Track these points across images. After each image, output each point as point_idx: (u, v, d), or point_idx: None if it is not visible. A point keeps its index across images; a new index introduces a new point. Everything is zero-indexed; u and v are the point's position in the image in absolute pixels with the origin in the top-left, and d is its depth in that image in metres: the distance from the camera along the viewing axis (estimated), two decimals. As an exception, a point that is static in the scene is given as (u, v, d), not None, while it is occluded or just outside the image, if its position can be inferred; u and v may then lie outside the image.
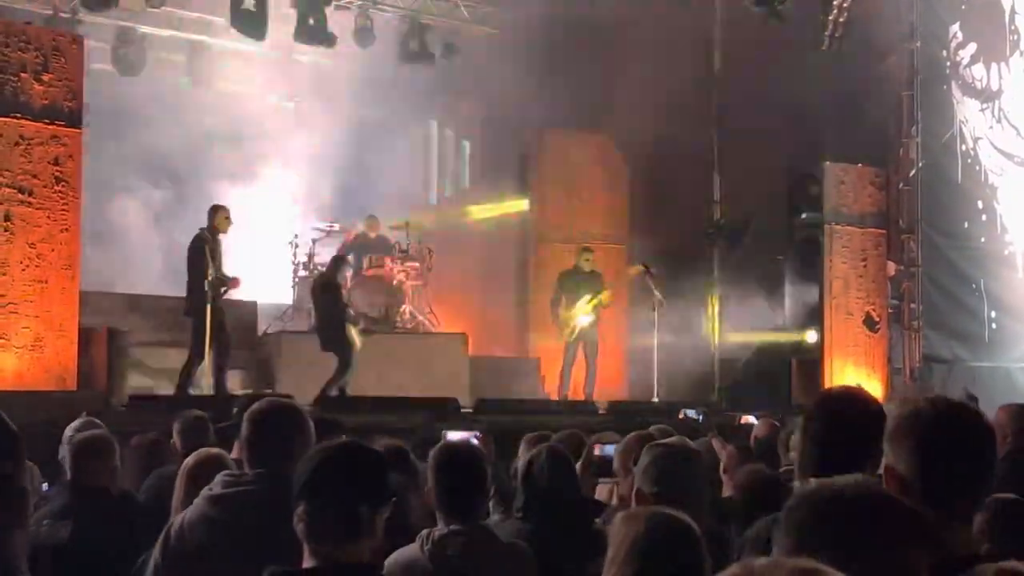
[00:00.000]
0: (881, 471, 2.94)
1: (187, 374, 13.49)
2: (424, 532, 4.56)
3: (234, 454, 5.37)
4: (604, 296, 16.49)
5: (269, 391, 13.55)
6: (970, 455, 2.84)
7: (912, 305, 18.08)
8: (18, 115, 12.34)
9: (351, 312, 15.21)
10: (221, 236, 13.96)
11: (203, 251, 13.57)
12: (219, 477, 4.48)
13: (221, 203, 14.43)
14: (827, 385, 16.95)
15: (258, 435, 4.46)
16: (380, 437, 9.72)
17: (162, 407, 11.56)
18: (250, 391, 14.11)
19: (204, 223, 14.07)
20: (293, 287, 18.95)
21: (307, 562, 3.41)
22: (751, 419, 14.30)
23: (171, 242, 18.50)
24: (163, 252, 18.65)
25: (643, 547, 3.26)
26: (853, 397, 3.78)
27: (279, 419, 4.50)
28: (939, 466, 2.81)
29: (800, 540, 2.24)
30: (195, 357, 13.48)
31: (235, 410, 5.74)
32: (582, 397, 16.02)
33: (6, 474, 2.41)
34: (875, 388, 17.43)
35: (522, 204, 20.03)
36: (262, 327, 17.81)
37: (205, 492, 4.45)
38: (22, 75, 12.42)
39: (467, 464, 4.72)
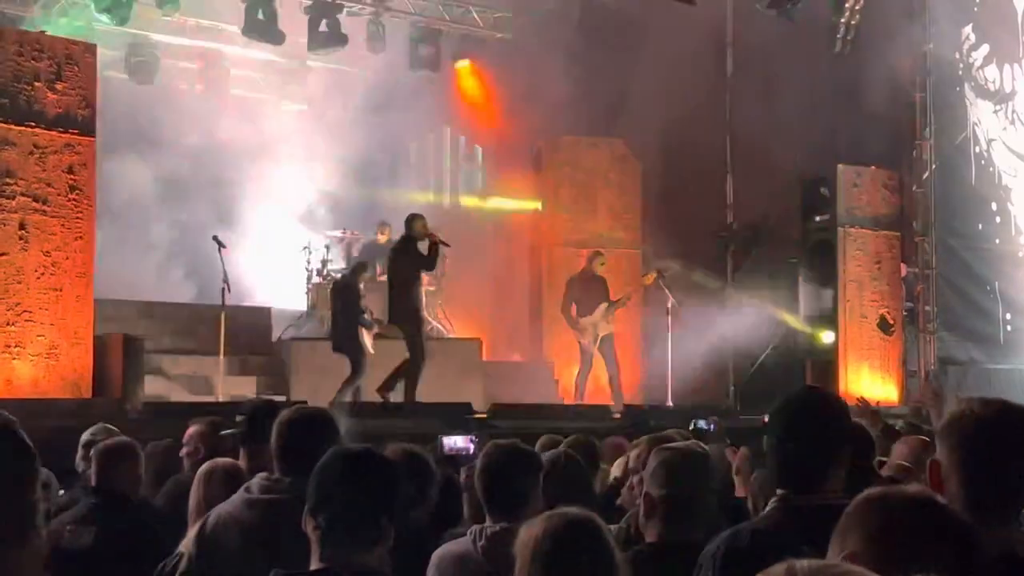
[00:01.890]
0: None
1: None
2: (475, 528, 4.59)
3: (240, 461, 5.38)
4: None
5: (279, 398, 13.54)
6: (1012, 455, 2.87)
7: (927, 307, 18.05)
8: (32, 124, 12.40)
9: (367, 318, 15.22)
10: (420, 244, 14.25)
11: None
12: (256, 480, 4.51)
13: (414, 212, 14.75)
14: (842, 388, 16.96)
15: (290, 442, 4.48)
16: (394, 443, 9.76)
17: (177, 414, 11.58)
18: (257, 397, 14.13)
19: (217, 230, 14.16)
20: (307, 293, 18.97)
21: (314, 564, 3.42)
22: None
23: (184, 249, 18.58)
24: (177, 259, 18.71)
25: (545, 548, 3.28)
26: (815, 401, 3.80)
27: (310, 426, 4.53)
28: (978, 464, 2.85)
29: (865, 545, 2.25)
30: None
31: (238, 416, 5.73)
32: (597, 401, 15.99)
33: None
34: (890, 390, 17.42)
35: (535, 208, 20.02)
36: (276, 333, 17.85)
37: (243, 493, 4.48)
38: (36, 84, 12.48)
39: (516, 462, 4.74)
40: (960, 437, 2.90)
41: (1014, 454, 2.87)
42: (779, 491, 3.63)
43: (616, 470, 7.39)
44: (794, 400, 3.78)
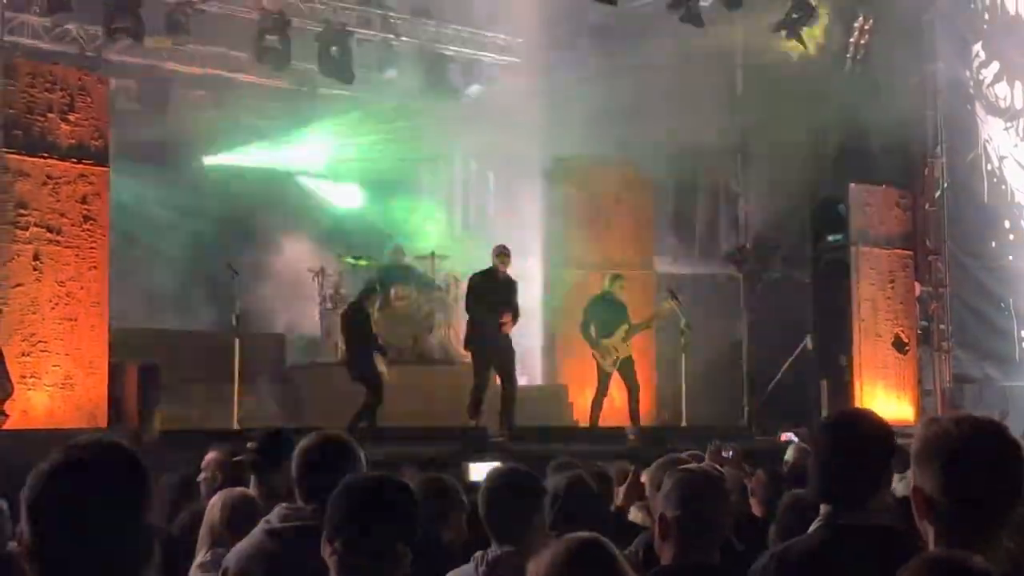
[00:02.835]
0: (908, 492, 2.94)
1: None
2: (478, 554, 4.60)
3: (251, 489, 5.39)
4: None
5: (292, 426, 13.54)
6: (996, 474, 2.84)
7: (941, 326, 18.02)
8: (45, 155, 12.46)
9: (380, 343, 15.23)
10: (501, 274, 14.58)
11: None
12: (276, 510, 4.51)
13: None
14: (857, 406, 16.94)
15: (310, 469, 4.48)
16: (410, 467, 9.76)
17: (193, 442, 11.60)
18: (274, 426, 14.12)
19: (230, 256, 14.20)
20: (320, 319, 18.99)
21: None
22: (792, 436, 14.33)
23: (198, 276, 18.61)
24: (190, 286, 18.73)
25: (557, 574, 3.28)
26: (860, 418, 3.84)
27: (331, 452, 4.53)
28: (965, 486, 2.81)
29: None
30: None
31: (250, 445, 5.74)
32: (612, 423, 15.97)
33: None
34: (906, 409, 17.36)
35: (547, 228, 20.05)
36: (290, 360, 17.86)
37: (263, 525, 4.49)
38: (49, 115, 12.55)
39: (520, 487, 4.75)
40: (943, 461, 2.86)
41: (998, 472, 2.85)
42: (823, 507, 3.67)
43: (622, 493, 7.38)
44: (841, 417, 3.85)
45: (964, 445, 2.85)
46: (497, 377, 14.65)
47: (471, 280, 15.23)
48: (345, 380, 14.89)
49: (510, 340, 14.81)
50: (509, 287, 14.83)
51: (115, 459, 2.44)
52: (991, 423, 2.95)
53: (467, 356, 18.51)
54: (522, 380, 17.28)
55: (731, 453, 12.31)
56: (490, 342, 14.58)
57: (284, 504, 4.54)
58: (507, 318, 14.43)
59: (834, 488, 3.69)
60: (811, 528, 3.71)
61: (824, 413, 17.22)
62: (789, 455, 10.35)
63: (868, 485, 3.63)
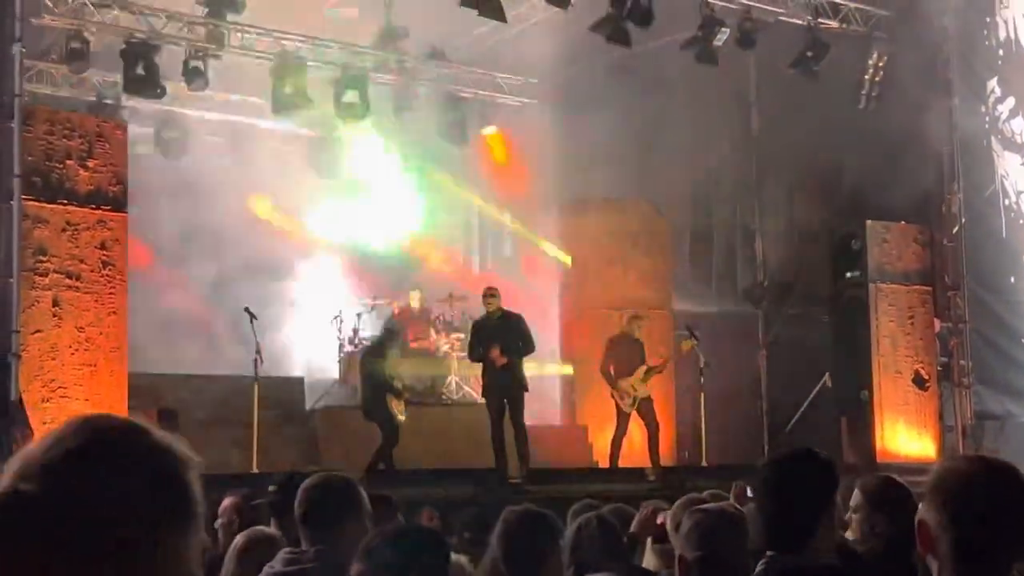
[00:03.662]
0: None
1: None
2: None
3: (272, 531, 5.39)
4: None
5: (311, 469, 13.54)
6: (1003, 514, 2.83)
7: (961, 362, 17.91)
8: (64, 201, 12.55)
9: (397, 384, 15.23)
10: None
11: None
12: (280, 555, 4.51)
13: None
14: (877, 444, 16.85)
15: (313, 511, 4.49)
16: (429, 510, 9.75)
17: (212, 486, 11.58)
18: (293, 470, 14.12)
19: (248, 302, 14.25)
20: (339, 362, 19.01)
21: None
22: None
23: (218, 320, 18.66)
24: (210, 330, 18.78)
25: None
26: (796, 459, 3.82)
27: (331, 494, 4.53)
28: (967, 522, 2.80)
29: None
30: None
31: (270, 487, 5.74)
32: (632, 464, 15.92)
33: None
34: (928, 447, 17.28)
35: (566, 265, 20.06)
36: (309, 402, 17.87)
37: (267, 570, 4.49)
38: (67, 162, 12.64)
39: (535, 528, 4.74)
40: (949, 495, 2.86)
41: (1005, 509, 2.84)
42: (768, 552, 3.65)
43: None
44: (777, 458, 3.83)
45: (972, 482, 2.85)
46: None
47: (471, 328, 15.24)
48: (363, 423, 14.90)
49: (512, 378, 14.68)
50: (502, 325, 14.76)
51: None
52: (1004, 464, 2.95)
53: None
54: (531, 420, 17.30)
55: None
56: (493, 383, 14.54)
57: (287, 549, 4.54)
58: (495, 352, 14.35)
59: (773, 532, 3.67)
60: (754, 573, 3.69)
61: (844, 451, 17.18)
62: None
63: (807, 527, 3.61)
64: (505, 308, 14.84)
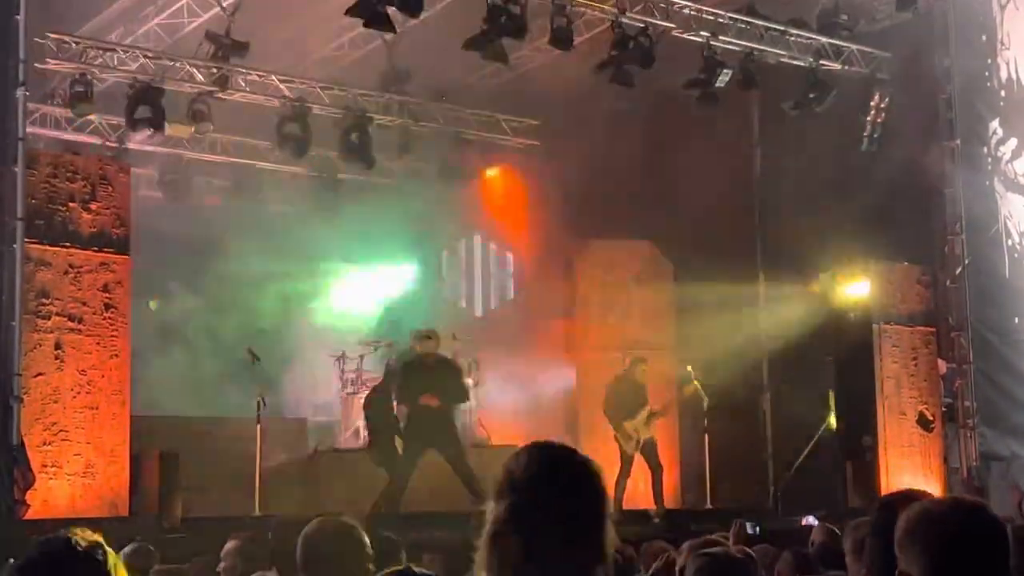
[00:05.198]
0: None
1: None
2: None
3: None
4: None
5: (313, 513, 13.47)
6: (981, 557, 2.79)
7: (966, 403, 17.84)
8: (67, 244, 12.54)
9: (402, 426, 15.19)
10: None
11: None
12: None
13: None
14: (883, 486, 16.76)
15: (314, 556, 4.46)
16: (431, 555, 9.69)
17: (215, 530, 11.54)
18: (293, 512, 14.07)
19: (251, 342, 14.22)
20: (341, 403, 18.96)
21: None
22: (811, 520, 14.14)
23: (220, 362, 18.62)
24: (212, 372, 18.74)
25: None
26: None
27: (333, 539, 4.51)
28: (949, 569, 2.76)
29: None
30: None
31: (270, 533, 5.71)
32: (636, 506, 15.86)
33: None
34: (933, 488, 17.19)
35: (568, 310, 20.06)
36: (312, 444, 17.82)
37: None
38: (70, 204, 12.65)
39: None
40: (927, 542, 2.81)
41: (985, 552, 2.80)
42: None
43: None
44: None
45: (946, 525, 2.80)
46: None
47: (401, 368, 14.96)
48: (367, 465, 14.83)
49: (448, 427, 14.53)
50: (439, 369, 14.57)
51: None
52: (972, 502, 2.91)
53: (489, 438, 18.54)
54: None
55: (758, 529, 12.17)
56: (421, 430, 14.26)
57: None
58: (429, 397, 14.14)
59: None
60: None
61: (849, 492, 17.10)
62: (817, 535, 10.21)
63: None
64: (439, 353, 14.64)
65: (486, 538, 2.55)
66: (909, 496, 3.74)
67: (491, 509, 2.55)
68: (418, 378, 14.33)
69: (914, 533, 2.83)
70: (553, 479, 2.54)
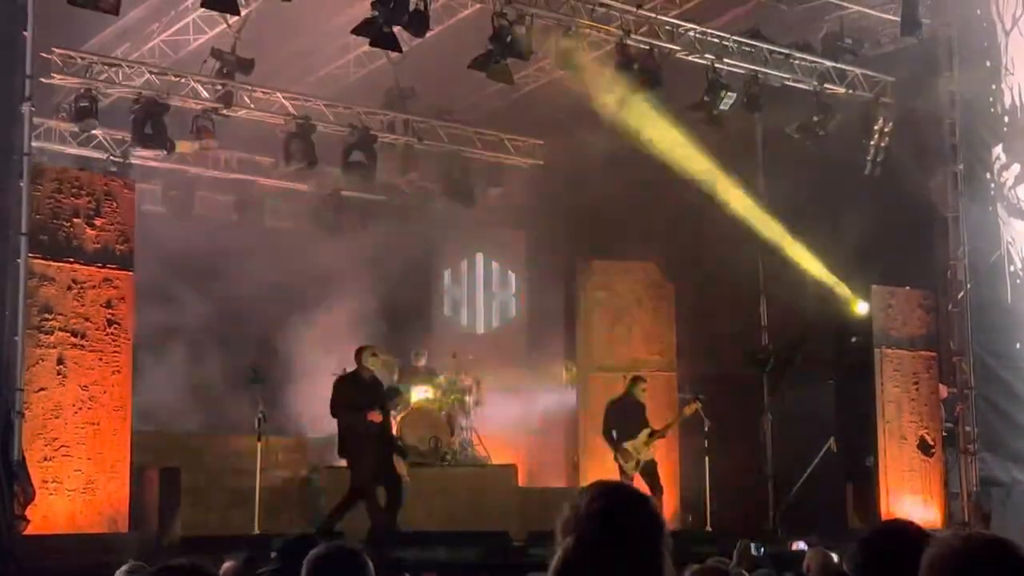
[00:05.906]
0: None
1: None
2: None
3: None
4: (689, 409, 16.48)
5: (313, 531, 13.47)
6: None
7: (967, 428, 17.83)
8: (71, 259, 12.56)
9: (400, 445, 15.19)
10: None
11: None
12: None
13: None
14: (883, 510, 16.75)
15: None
16: (431, 572, 9.69)
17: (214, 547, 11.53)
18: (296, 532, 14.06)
19: (252, 358, 14.22)
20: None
21: None
22: (801, 545, 14.13)
23: (220, 379, 18.63)
24: (213, 389, 18.74)
25: None
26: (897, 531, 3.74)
27: (339, 565, 4.50)
28: None
29: None
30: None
31: (273, 553, 5.70)
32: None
33: None
34: (933, 513, 17.18)
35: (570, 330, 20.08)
36: (311, 462, 17.80)
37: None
38: (75, 220, 12.68)
39: None
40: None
41: None
42: None
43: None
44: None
45: (969, 563, 2.79)
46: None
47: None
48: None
49: (390, 443, 14.58)
50: (377, 387, 14.67)
51: None
52: (999, 540, 2.90)
53: (489, 457, 18.54)
54: (534, 482, 17.16)
55: (762, 551, 12.15)
56: (369, 446, 14.20)
57: None
58: (376, 416, 14.17)
59: None
60: None
61: (849, 515, 17.09)
62: (811, 560, 10.21)
63: None
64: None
65: (554, 573, 2.64)
66: (890, 530, 3.76)
67: (559, 543, 2.67)
68: (368, 393, 14.47)
69: (936, 570, 2.82)
70: (619, 516, 2.68)
